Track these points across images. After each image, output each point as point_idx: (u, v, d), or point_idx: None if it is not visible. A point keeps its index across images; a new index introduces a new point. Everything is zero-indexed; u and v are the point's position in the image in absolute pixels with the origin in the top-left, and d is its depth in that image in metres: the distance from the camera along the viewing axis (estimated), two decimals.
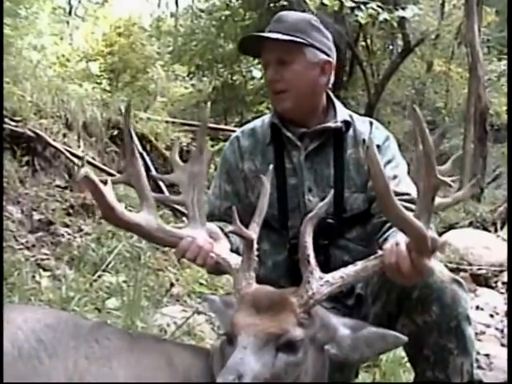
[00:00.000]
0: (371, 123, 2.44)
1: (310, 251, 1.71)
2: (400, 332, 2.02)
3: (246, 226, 1.83)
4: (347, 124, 2.39)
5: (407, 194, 2.09)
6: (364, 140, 2.36)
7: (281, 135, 2.41)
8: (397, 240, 1.73)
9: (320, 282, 1.68)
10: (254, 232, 1.85)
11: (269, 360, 1.54)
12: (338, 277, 1.71)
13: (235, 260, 1.83)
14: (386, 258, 1.72)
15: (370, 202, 2.31)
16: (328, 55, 2.37)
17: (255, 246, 1.78)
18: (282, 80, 2.31)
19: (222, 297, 1.92)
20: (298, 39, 2.29)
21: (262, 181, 2.04)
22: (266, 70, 2.36)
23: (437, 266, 2.07)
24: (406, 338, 1.70)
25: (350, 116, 2.43)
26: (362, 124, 2.42)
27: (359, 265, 1.74)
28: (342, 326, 1.72)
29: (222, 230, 2.09)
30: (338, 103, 2.45)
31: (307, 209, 2.27)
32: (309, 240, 1.73)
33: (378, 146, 2.31)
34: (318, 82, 2.37)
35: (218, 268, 1.88)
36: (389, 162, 2.30)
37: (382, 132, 2.42)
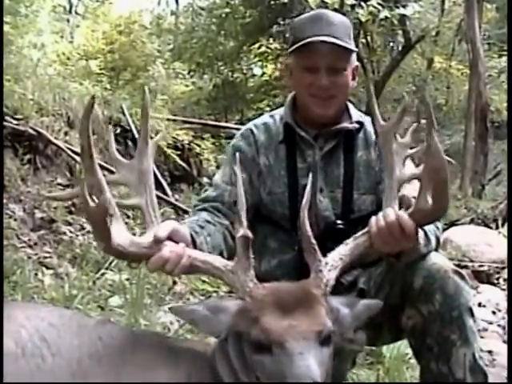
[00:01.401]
0: None
1: (313, 240, 1.74)
2: (405, 324, 2.11)
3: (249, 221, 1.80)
4: (360, 125, 2.39)
5: None
6: (375, 142, 2.35)
7: (294, 134, 2.39)
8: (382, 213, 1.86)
9: (328, 268, 1.73)
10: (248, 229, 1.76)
11: (321, 358, 1.55)
12: (337, 259, 1.77)
13: (219, 261, 1.75)
14: (372, 227, 1.82)
15: (378, 204, 2.27)
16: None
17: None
18: (333, 87, 2.28)
19: (204, 303, 1.77)
20: (351, 46, 2.29)
21: (235, 171, 1.94)
22: (311, 73, 2.29)
23: (440, 257, 2.12)
24: (381, 302, 1.83)
25: (361, 116, 2.43)
26: (372, 125, 2.40)
27: (350, 243, 1.82)
28: (340, 305, 1.76)
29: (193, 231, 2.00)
30: (349, 104, 2.45)
31: (318, 209, 2.30)
32: (309, 229, 1.75)
33: None
34: (350, 86, 2.38)
35: (190, 271, 1.80)
36: None
37: None
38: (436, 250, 2.18)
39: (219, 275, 1.73)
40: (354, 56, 2.37)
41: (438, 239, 2.17)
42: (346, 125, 2.37)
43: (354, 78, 2.39)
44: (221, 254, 2.04)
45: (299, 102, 2.42)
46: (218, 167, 8.63)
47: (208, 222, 2.15)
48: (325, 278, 1.71)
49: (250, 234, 1.72)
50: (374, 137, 2.36)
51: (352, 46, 2.31)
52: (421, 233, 2.06)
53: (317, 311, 1.62)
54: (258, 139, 2.42)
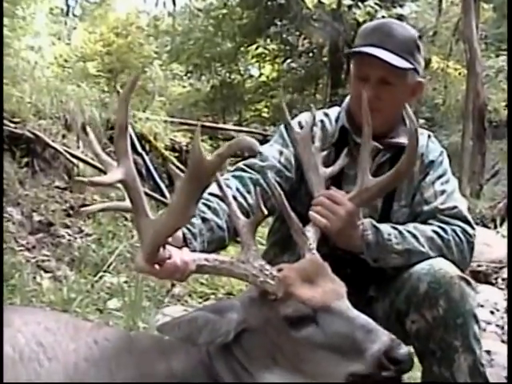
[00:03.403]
0: (429, 136, 2.43)
1: (300, 223, 1.87)
2: (410, 328, 2.10)
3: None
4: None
5: (455, 208, 2.23)
6: (422, 154, 2.33)
7: (348, 139, 2.34)
8: None
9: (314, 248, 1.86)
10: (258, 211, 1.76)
11: None
12: (314, 241, 1.89)
13: (222, 257, 1.70)
14: (311, 212, 2.00)
15: (413, 217, 2.29)
16: (420, 75, 2.35)
17: None
18: (379, 100, 2.22)
19: (202, 309, 1.73)
20: (407, 63, 2.23)
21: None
22: (362, 82, 2.26)
23: (446, 263, 2.11)
24: None
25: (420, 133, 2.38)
26: (420, 137, 2.36)
27: (310, 230, 1.94)
28: None
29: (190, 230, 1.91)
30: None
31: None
32: (294, 214, 1.86)
33: (432, 161, 2.33)
34: (406, 103, 2.28)
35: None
36: (440, 177, 2.32)
37: (437, 146, 2.41)
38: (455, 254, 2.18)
39: (228, 269, 1.67)
40: (411, 72, 2.29)
41: (442, 244, 2.16)
42: (403, 141, 2.30)
43: (413, 95, 2.34)
44: (221, 244, 2.04)
45: (351, 109, 2.39)
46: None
47: (222, 199, 2.00)
48: (317, 254, 1.80)
49: (260, 216, 1.71)
50: (421, 149, 2.30)
51: (406, 63, 2.23)
52: (391, 230, 2.11)
53: (334, 276, 1.69)
54: (315, 135, 2.33)
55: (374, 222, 2.11)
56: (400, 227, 2.15)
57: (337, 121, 2.42)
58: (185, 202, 1.48)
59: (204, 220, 1.96)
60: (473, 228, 2.25)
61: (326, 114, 2.46)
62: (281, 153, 2.31)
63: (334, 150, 2.36)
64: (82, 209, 1.83)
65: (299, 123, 2.38)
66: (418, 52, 2.31)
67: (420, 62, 2.33)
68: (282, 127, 2.41)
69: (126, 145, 1.57)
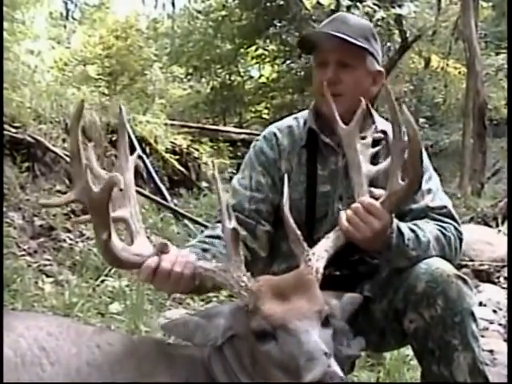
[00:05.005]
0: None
1: (298, 231, 1.83)
2: (408, 327, 2.10)
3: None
4: (384, 134, 2.34)
5: (444, 207, 2.25)
6: None
7: (317, 140, 2.34)
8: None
9: (315, 258, 1.80)
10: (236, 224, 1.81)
11: (324, 337, 1.58)
12: (323, 251, 1.83)
13: (209, 264, 1.77)
14: (341, 217, 1.93)
15: (396, 215, 2.23)
16: (380, 65, 2.36)
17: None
18: (340, 83, 2.23)
19: (195, 313, 1.80)
20: (360, 43, 2.24)
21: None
22: (322, 68, 2.27)
23: (443, 262, 2.10)
24: (361, 296, 1.95)
25: (386, 125, 2.36)
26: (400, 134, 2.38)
27: (331, 236, 1.90)
28: (328, 296, 1.80)
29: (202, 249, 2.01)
30: (374, 112, 2.41)
31: (335, 218, 2.16)
32: (293, 222, 1.85)
33: None
34: (368, 92, 2.33)
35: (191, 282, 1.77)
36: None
37: None
38: (449, 252, 2.18)
39: (210, 277, 1.73)
40: (371, 59, 2.31)
41: (445, 243, 2.16)
42: (370, 133, 2.28)
43: (375, 84, 2.34)
44: None
45: (317, 106, 2.38)
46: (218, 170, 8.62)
47: (219, 237, 2.08)
48: (314, 265, 1.76)
49: (238, 229, 1.76)
50: None
51: (364, 44, 2.25)
52: (410, 234, 2.08)
53: (313, 294, 1.67)
54: (281, 143, 2.36)
55: (400, 225, 2.07)
56: (417, 229, 2.11)
57: (305, 123, 2.40)
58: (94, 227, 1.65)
59: (205, 250, 2.03)
60: (460, 226, 2.27)
61: (296, 118, 2.45)
62: (251, 178, 2.34)
63: (306, 152, 2.36)
64: (72, 220, 1.91)
65: (275, 135, 2.39)
66: (375, 41, 2.33)
67: (378, 50, 2.34)
68: (251, 148, 2.44)
69: (81, 168, 1.68)
